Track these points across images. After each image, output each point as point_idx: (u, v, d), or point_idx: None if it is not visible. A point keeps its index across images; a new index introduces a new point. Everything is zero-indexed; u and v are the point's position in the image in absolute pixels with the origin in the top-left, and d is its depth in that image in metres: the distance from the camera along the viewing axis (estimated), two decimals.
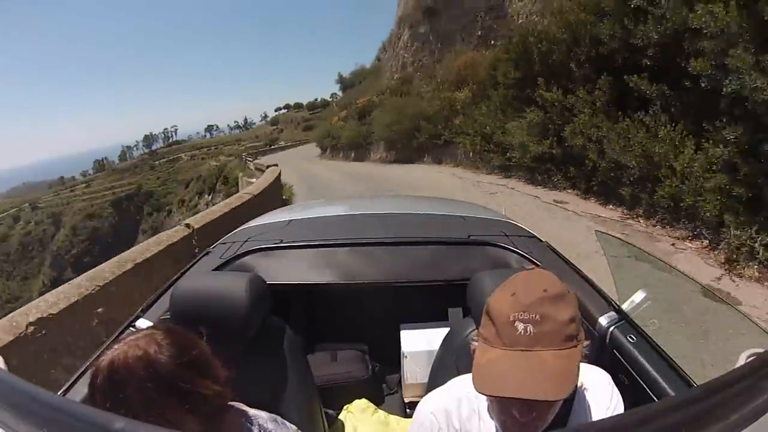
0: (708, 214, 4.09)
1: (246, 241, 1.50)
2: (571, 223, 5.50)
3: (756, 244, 3.67)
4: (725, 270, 3.81)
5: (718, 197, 4.01)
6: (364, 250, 1.38)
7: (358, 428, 1.44)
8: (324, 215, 1.93)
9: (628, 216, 5.49)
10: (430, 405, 0.80)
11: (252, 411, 0.82)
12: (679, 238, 4.60)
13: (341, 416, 1.49)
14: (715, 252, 4.12)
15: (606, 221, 5.45)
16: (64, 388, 0.87)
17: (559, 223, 5.58)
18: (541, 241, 1.53)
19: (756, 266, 3.66)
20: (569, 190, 6.85)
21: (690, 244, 4.44)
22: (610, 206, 5.92)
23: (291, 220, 1.77)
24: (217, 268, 1.31)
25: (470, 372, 0.69)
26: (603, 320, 1.03)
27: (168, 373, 0.66)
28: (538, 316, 0.59)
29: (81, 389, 0.85)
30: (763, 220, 3.77)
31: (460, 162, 11.12)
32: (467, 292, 1.05)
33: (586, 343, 0.63)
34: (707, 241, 4.30)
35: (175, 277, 1.26)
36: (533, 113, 7.29)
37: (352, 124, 20.45)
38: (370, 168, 14.76)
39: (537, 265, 1.28)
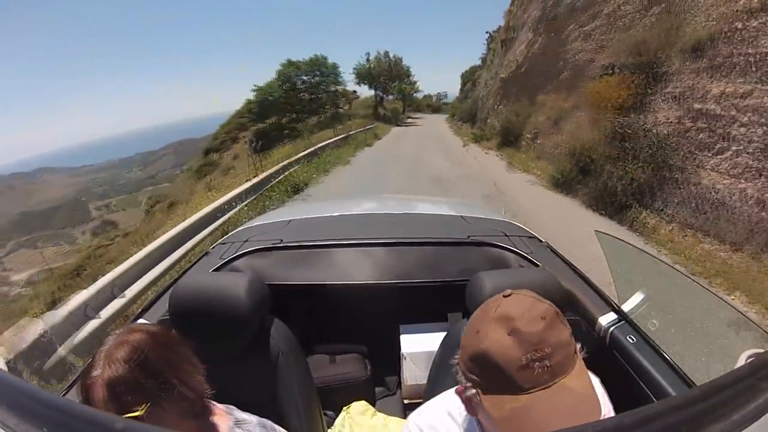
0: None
1: (245, 241, 1.50)
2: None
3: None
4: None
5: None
6: (363, 251, 1.37)
7: (356, 430, 1.44)
8: (323, 215, 1.92)
9: None
10: (420, 420, 0.79)
11: (240, 415, 0.81)
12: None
13: (340, 418, 1.48)
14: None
15: None
16: (64, 388, 0.87)
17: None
18: (541, 241, 1.52)
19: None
20: None
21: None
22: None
23: (290, 220, 1.77)
24: (216, 269, 1.31)
25: None
26: (603, 320, 1.03)
27: (175, 339, 0.72)
28: (549, 349, 0.55)
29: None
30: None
31: None
32: (467, 293, 1.05)
33: (578, 344, 0.60)
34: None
35: (175, 277, 1.26)
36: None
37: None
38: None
39: (536, 266, 1.28)
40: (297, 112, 25.99)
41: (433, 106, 50.71)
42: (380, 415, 1.51)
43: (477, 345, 0.58)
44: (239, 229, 1.79)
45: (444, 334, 1.21)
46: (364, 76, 32.67)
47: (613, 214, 5.85)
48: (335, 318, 1.87)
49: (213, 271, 1.30)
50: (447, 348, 1.12)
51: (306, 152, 11.94)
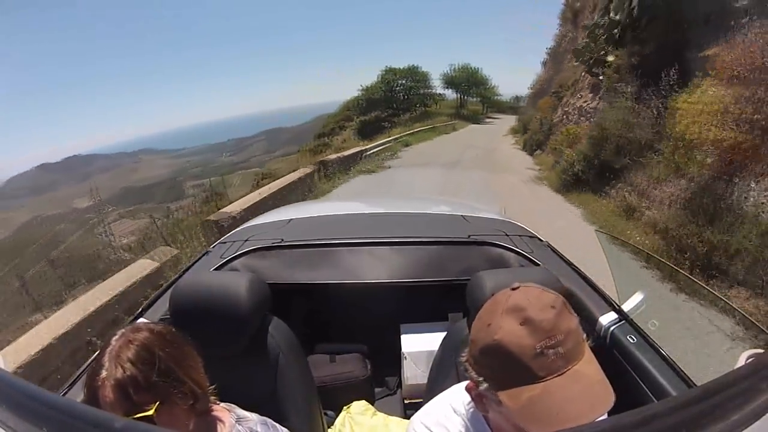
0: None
1: (246, 240, 1.50)
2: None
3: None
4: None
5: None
6: (364, 250, 1.37)
7: (356, 430, 1.43)
8: (324, 215, 1.92)
9: None
10: (426, 419, 0.78)
11: (242, 412, 0.81)
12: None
13: (340, 417, 1.48)
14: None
15: None
16: (64, 388, 0.87)
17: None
18: (541, 240, 1.52)
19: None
20: None
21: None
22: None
23: (291, 219, 1.77)
24: (216, 268, 1.31)
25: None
26: (603, 320, 1.03)
27: (180, 337, 0.73)
28: (561, 336, 0.56)
29: (81, 389, 0.85)
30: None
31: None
32: (467, 292, 1.04)
33: (584, 334, 0.61)
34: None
35: (175, 277, 1.26)
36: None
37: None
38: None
39: (537, 265, 1.28)
40: (394, 109, 32.97)
41: (514, 107, 53.89)
42: (380, 414, 1.51)
43: (489, 337, 0.58)
44: (240, 228, 1.78)
45: (444, 333, 1.21)
46: (448, 81, 39.56)
47: (531, 153, 13.83)
48: (335, 317, 1.87)
49: (213, 270, 1.30)
50: (447, 347, 1.12)
51: (408, 132, 20.74)
